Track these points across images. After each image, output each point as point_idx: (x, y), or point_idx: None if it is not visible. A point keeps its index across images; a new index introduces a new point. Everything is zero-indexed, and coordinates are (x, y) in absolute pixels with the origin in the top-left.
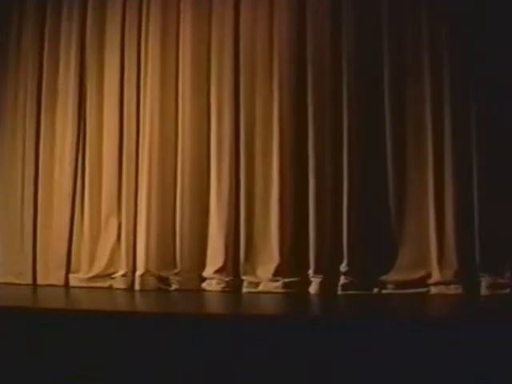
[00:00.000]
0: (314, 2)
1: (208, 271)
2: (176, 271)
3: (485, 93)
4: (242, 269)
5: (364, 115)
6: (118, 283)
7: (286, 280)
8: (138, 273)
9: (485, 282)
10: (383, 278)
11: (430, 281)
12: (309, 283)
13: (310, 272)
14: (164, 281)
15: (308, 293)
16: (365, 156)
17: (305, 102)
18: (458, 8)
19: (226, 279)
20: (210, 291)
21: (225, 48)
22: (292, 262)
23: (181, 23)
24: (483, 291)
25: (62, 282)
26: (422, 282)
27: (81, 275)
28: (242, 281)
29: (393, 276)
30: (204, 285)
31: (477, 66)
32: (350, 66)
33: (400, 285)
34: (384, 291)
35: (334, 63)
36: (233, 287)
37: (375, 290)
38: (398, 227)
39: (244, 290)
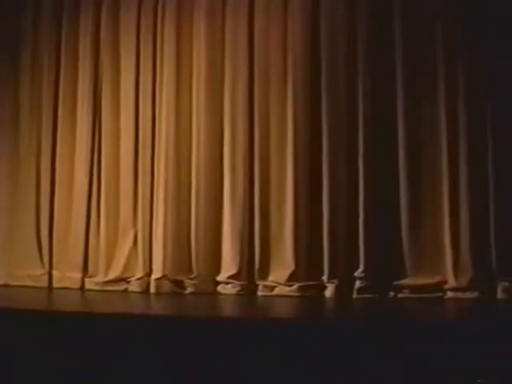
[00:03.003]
0: (328, 6)
1: (223, 276)
2: (192, 276)
3: (501, 100)
4: (256, 274)
5: (378, 120)
6: (134, 287)
7: (301, 284)
8: (154, 277)
9: (500, 287)
10: (399, 282)
11: (446, 286)
12: (324, 287)
13: (325, 277)
14: (179, 284)
15: (323, 297)
16: (380, 161)
17: (319, 107)
18: (472, 9)
19: (241, 283)
20: (225, 294)
21: (239, 53)
22: (307, 267)
23: (195, 29)
24: (499, 296)
25: (77, 285)
26: (438, 286)
27: (97, 279)
28: (256, 285)
29: (408, 281)
30: (219, 288)
31: (492, 70)
32: (364, 71)
33: (415, 289)
34: (399, 295)
35: (349, 68)
36: (248, 291)
37: (391, 294)
38: (414, 232)
39: (259, 293)
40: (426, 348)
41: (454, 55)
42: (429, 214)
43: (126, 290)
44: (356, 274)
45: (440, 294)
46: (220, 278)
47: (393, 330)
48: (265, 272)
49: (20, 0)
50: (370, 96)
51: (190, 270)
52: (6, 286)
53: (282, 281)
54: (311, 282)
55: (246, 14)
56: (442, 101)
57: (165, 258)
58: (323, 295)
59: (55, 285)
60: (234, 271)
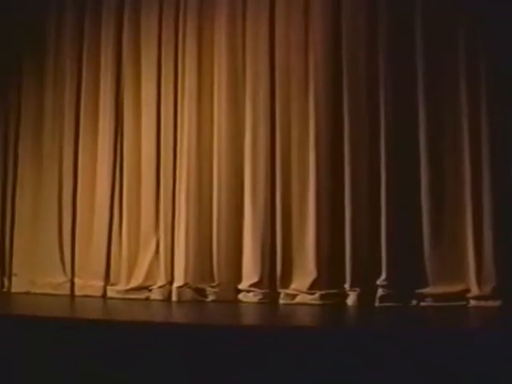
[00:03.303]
0: (348, 11)
1: (244, 284)
2: (213, 284)
3: None
4: (278, 282)
5: (400, 125)
6: (155, 295)
7: (323, 292)
8: (176, 285)
9: None
10: (421, 290)
11: (469, 294)
12: (346, 295)
13: (347, 285)
14: (201, 292)
15: (345, 305)
16: (402, 168)
17: (341, 113)
18: (494, 13)
19: (263, 291)
20: (247, 303)
21: (260, 59)
22: (329, 275)
23: (216, 37)
24: None
25: (99, 293)
26: (461, 295)
27: (119, 287)
28: (278, 293)
29: (431, 289)
30: (240, 296)
31: None
32: (385, 76)
33: (438, 298)
34: (422, 304)
35: (370, 73)
36: (269, 299)
37: (413, 303)
38: (436, 240)
39: (281, 301)
40: (448, 357)
41: (476, 59)
42: (451, 221)
43: (147, 298)
44: (378, 282)
45: (463, 303)
46: (242, 286)
47: (415, 338)
48: (286, 280)
49: (43, 10)
50: (391, 101)
51: (212, 278)
52: (27, 293)
53: (304, 289)
54: (333, 290)
55: (266, 19)
56: (465, 105)
57: (186, 266)
58: (345, 303)
59: (77, 293)
60: (255, 279)
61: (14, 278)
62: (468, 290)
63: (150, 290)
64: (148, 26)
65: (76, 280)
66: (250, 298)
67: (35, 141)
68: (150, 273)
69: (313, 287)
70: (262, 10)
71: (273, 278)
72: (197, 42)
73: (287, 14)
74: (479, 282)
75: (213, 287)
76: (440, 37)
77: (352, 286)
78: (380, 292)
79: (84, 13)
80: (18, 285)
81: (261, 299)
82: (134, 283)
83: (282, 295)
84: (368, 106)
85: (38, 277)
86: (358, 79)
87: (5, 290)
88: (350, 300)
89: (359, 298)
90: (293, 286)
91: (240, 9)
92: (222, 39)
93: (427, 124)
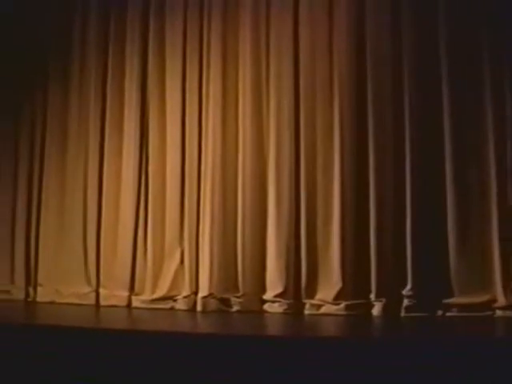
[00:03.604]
0: (372, 22)
1: (269, 294)
2: (238, 294)
3: None
4: (303, 292)
5: (425, 136)
6: (180, 305)
7: (349, 302)
8: (200, 295)
9: None
10: (447, 300)
11: (495, 304)
12: (371, 305)
13: (372, 295)
14: (225, 302)
15: (371, 315)
16: (427, 178)
17: (365, 124)
18: None
19: (288, 302)
20: (272, 313)
21: (283, 68)
22: (354, 285)
23: (240, 47)
24: None
25: (124, 303)
26: (487, 305)
27: (144, 297)
28: (303, 303)
29: (457, 299)
30: (265, 306)
31: None
32: (410, 87)
33: (464, 308)
34: (448, 314)
35: (395, 84)
36: (294, 309)
37: (439, 313)
38: (462, 249)
39: (306, 312)
40: (474, 367)
41: (501, 62)
42: (477, 231)
43: (172, 308)
44: (404, 292)
45: (489, 313)
46: (266, 296)
47: (441, 349)
48: (311, 290)
49: (68, 21)
50: (416, 112)
51: (237, 289)
52: (52, 303)
53: (329, 299)
54: (359, 301)
55: (290, 30)
56: (490, 119)
57: (211, 276)
58: (371, 314)
59: (102, 303)
60: (280, 290)
61: (39, 288)
62: (494, 300)
63: (175, 300)
64: (172, 35)
65: (101, 290)
66: (274, 308)
67: (60, 152)
68: (175, 283)
69: (338, 297)
70: (285, 19)
71: (298, 288)
72: (221, 51)
73: (312, 26)
74: (506, 292)
75: (237, 297)
76: (464, 49)
77: (377, 296)
78: (406, 302)
79: (109, 21)
80: (43, 295)
81: (286, 309)
82: (158, 293)
83: (307, 305)
84: (393, 117)
85: (63, 287)
86: (382, 90)
87: (30, 299)
88: (376, 310)
89: (385, 308)
90: (318, 296)
91: (264, 17)
92: (247, 49)
93: (452, 135)
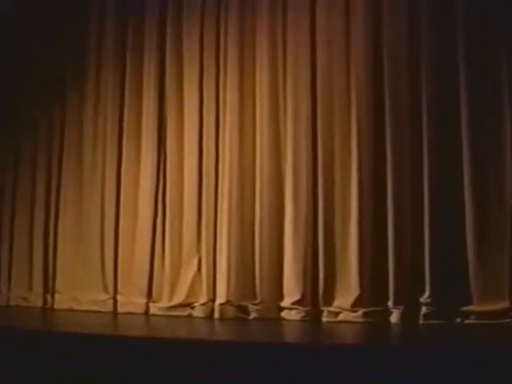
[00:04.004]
0: (389, 33)
1: (287, 302)
2: (256, 301)
3: None
4: (321, 300)
5: (443, 144)
6: (198, 312)
7: (366, 310)
8: (218, 302)
9: None
10: (465, 308)
11: None
12: (389, 313)
13: (390, 302)
14: (243, 310)
15: (389, 323)
16: (445, 186)
17: (383, 130)
18: None
19: (305, 309)
20: (289, 320)
21: (301, 75)
22: (372, 293)
23: (257, 53)
24: None
25: (142, 310)
26: (506, 312)
27: (161, 304)
28: (321, 311)
29: (475, 306)
30: (283, 314)
31: None
32: (427, 96)
33: (483, 315)
34: (466, 321)
35: (413, 89)
36: (312, 317)
37: (457, 320)
38: (480, 257)
39: (323, 319)
40: (493, 375)
41: None
42: (495, 238)
43: (189, 316)
44: (422, 299)
45: (508, 320)
46: (284, 303)
47: (460, 356)
48: (329, 298)
49: (84, 29)
50: (434, 118)
51: (254, 296)
52: (70, 310)
53: (347, 306)
54: (376, 308)
55: (307, 38)
56: (508, 130)
57: (229, 283)
58: (388, 321)
59: (120, 310)
60: (297, 297)
61: (56, 295)
62: None
63: (193, 307)
64: (190, 42)
65: (118, 297)
66: (292, 315)
67: (77, 160)
68: (193, 290)
69: (356, 305)
70: (302, 27)
71: (315, 295)
72: (238, 59)
73: (328, 32)
74: None
75: (255, 305)
76: (482, 54)
77: (395, 303)
78: (424, 310)
79: (127, 30)
80: (60, 302)
81: (303, 317)
82: (176, 300)
83: (324, 313)
84: (411, 123)
85: (81, 294)
86: (400, 95)
87: (48, 306)
88: (394, 318)
89: (403, 315)
90: (335, 303)
91: (280, 25)
92: (264, 56)
93: (470, 143)
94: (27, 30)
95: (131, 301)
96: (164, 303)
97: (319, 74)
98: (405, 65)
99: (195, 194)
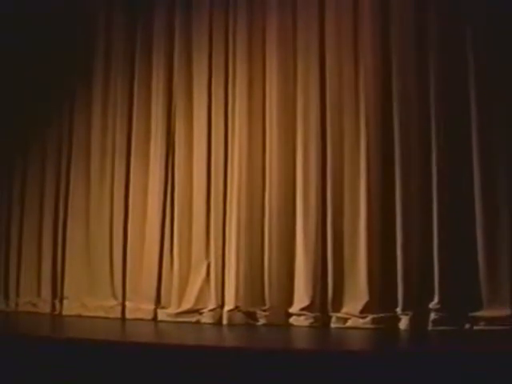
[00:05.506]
0: (398, 29)
1: (295, 308)
2: (264, 307)
3: None
4: (329, 306)
5: (451, 151)
6: (206, 318)
7: (375, 316)
8: (227, 308)
9: None
10: (474, 314)
11: None
12: (398, 319)
13: (399, 308)
14: (252, 316)
15: (397, 329)
16: (454, 190)
17: (391, 136)
18: None
19: (314, 315)
20: (298, 326)
21: (310, 82)
22: (381, 299)
23: (267, 60)
24: None
25: (150, 316)
26: None
27: (170, 310)
28: (329, 317)
29: (484, 312)
30: (291, 320)
31: None
32: (436, 104)
33: (492, 321)
34: (475, 327)
35: (421, 92)
36: (320, 323)
37: (467, 326)
38: (490, 262)
39: (332, 325)
40: (503, 382)
41: None
42: (505, 243)
43: (198, 322)
44: (431, 305)
45: None
46: (293, 309)
47: (469, 363)
48: (338, 304)
49: (92, 39)
50: (443, 123)
51: (263, 302)
52: (78, 316)
53: (356, 313)
54: (385, 314)
55: (316, 44)
56: None
57: (237, 289)
58: (397, 327)
59: (128, 316)
60: (306, 303)
61: (65, 301)
62: None
63: (201, 314)
64: (199, 51)
65: (127, 303)
66: (301, 321)
67: (86, 167)
68: (201, 296)
69: (364, 311)
70: (311, 34)
71: (324, 301)
72: (247, 65)
73: (338, 41)
74: None
75: (264, 311)
76: (492, 71)
77: (404, 309)
78: (433, 315)
79: (135, 38)
80: (69, 308)
81: (312, 323)
82: (184, 306)
83: (333, 319)
84: (419, 127)
85: (89, 300)
86: (408, 99)
87: (56, 312)
88: (403, 324)
89: (412, 321)
90: (344, 309)
91: (290, 32)
92: (273, 63)
93: (480, 147)
94: (35, 36)
95: (139, 307)
96: (172, 309)
97: (328, 80)
98: (413, 67)
99: (204, 200)
